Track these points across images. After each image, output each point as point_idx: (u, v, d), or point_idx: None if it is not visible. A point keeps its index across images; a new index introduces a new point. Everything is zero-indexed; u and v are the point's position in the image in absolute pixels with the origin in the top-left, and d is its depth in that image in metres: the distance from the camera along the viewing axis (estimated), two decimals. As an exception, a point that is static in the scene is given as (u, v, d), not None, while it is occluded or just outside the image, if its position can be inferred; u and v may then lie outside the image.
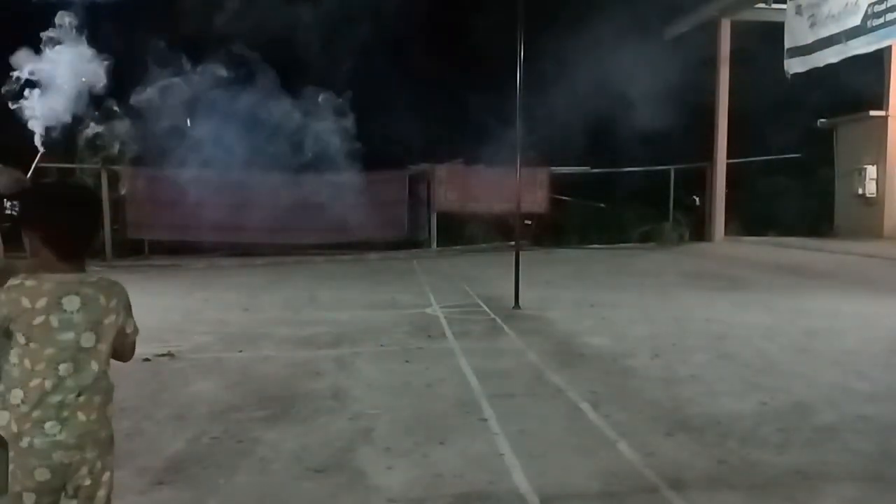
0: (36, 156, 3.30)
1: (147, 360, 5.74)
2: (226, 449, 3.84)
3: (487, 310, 8.02)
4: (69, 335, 1.99)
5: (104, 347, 2.06)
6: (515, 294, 8.22)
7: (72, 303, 1.99)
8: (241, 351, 6.19)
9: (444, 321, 7.42)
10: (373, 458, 3.68)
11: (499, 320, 7.41)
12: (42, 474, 1.97)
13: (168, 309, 8.32)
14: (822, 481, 3.40)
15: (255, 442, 3.94)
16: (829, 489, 3.32)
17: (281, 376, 5.32)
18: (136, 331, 2.19)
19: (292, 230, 15.19)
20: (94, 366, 2.04)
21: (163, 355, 5.88)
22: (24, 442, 1.97)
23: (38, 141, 3.34)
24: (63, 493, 2.03)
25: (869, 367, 5.42)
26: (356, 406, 4.57)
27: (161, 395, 4.83)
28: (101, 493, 2.08)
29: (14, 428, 1.97)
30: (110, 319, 2.07)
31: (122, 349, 2.17)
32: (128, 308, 2.15)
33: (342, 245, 15.24)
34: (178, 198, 14.85)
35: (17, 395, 1.98)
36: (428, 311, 8.10)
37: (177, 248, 14.58)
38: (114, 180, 14.60)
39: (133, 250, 14.65)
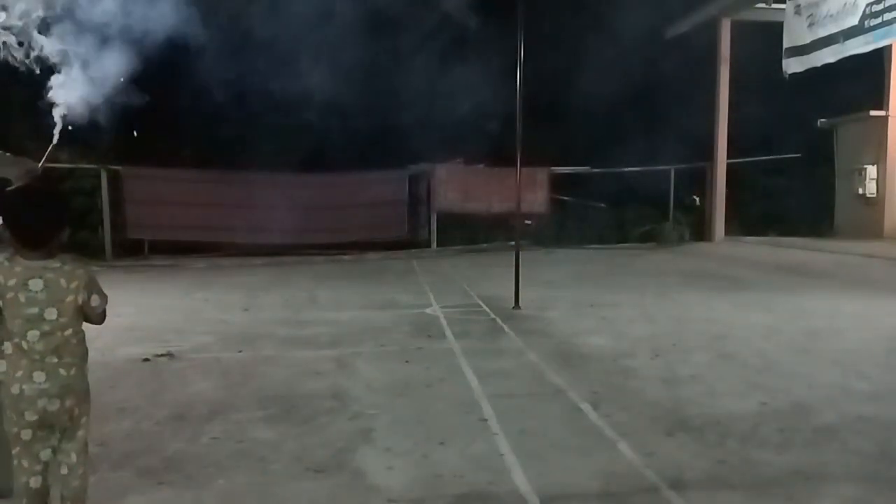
0: (48, 146, 3.34)
1: (147, 360, 5.75)
2: (226, 449, 3.84)
3: (487, 310, 8.02)
4: (34, 310, 2.48)
5: (66, 320, 2.52)
6: (515, 294, 8.22)
7: (36, 284, 2.48)
8: (240, 351, 6.19)
9: (444, 321, 7.42)
10: (373, 458, 3.68)
11: (499, 320, 7.41)
12: (31, 415, 2.49)
13: (168, 309, 8.32)
14: (822, 481, 3.40)
15: (255, 442, 3.94)
16: (829, 489, 3.32)
17: (281, 376, 5.32)
18: (102, 303, 2.61)
19: (293, 230, 15.19)
20: (59, 334, 2.51)
21: (163, 355, 5.88)
22: (16, 388, 2.47)
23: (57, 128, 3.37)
24: (52, 430, 2.55)
25: (869, 367, 5.42)
26: (356, 406, 4.57)
27: (161, 395, 4.83)
28: (80, 433, 2.61)
29: (10, 372, 2.48)
30: (70, 298, 2.52)
31: (91, 317, 2.62)
32: (89, 286, 2.57)
33: (342, 245, 15.24)
34: (178, 198, 14.87)
35: (7, 347, 2.50)
36: (428, 311, 8.10)
37: (177, 248, 14.57)
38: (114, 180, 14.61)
39: (133, 250, 14.63)
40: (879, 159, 16.04)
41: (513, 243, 9.23)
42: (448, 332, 6.86)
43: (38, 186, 2.84)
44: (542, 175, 16.21)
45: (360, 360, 5.80)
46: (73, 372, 2.54)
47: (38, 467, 2.56)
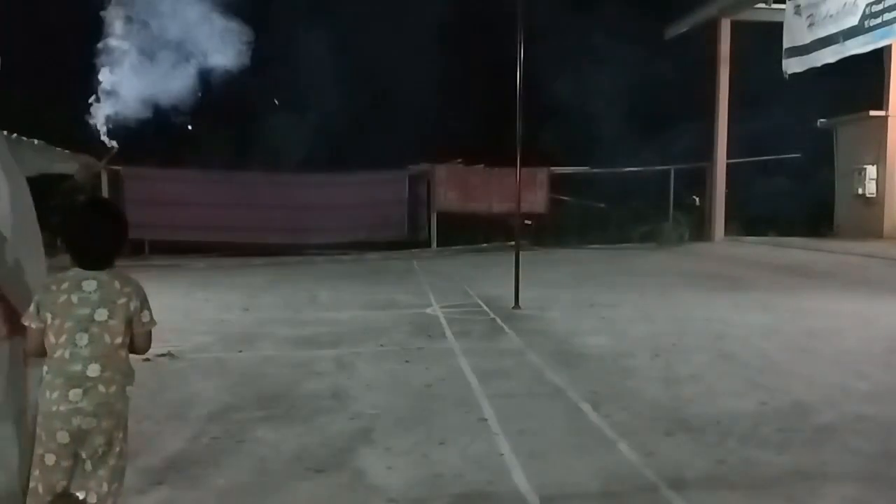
0: (109, 147, 3.35)
1: (147, 360, 5.73)
2: (226, 449, 3.84)
3: (487, 310, 8.02)
4: (86, 310, 2.39)
5: (115, 324, 2.42)
6: (515, 294, 8.22)
7: (90, 285, 2.42)
8: (241, 351, 6.19)
9: (443, 321, 7.42)
10: (373, 458, 3.68)
11: (499, 320, 7.41)
12: (63, 437, 2.34)
13: (168, 309, 8.28)
14: (822, 481, 3.40)
15: (255, 442, 3.94)
16: (829, 489, 3.32)
17: (281, 376, 5.32)
18: (151, 322, 2.55)
19: (293, 230, 15.20)
20: (107, 339, 2.41)
21: (163, 355, 5.88)
22: (50, 408, 2.34)
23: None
24: (80, 457, 2.38)
25: (869, 367, 5.42)
26: (356, 406, 4.57)
27: (161, 395, 4.82)
28: (115, 462, 2.44)
29: (46, 394, 2.35)
30: (122, 301, 2.45)
31: (138, 338, 2.52)
32: (143, 299, 2.52)
33: (342, 245, 15.24)
34: (178, 198, 14.88)
35: (45, 368, 2.39)
36: (428, 311, 8.10)
37: (177, 248, 14.56)
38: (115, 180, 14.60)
39: (133, 250, 14.62)
40: (879, 159, 16.05)
41: (513, 243, 9.23)
42: (448, 332, 6.86)
43: (95, 202, 2.70)
44: (542, 175, 16.21)
45: (360, 360, 5.80)
46: (112, 390, 2.39)
47: (49, 498, 2.38)
